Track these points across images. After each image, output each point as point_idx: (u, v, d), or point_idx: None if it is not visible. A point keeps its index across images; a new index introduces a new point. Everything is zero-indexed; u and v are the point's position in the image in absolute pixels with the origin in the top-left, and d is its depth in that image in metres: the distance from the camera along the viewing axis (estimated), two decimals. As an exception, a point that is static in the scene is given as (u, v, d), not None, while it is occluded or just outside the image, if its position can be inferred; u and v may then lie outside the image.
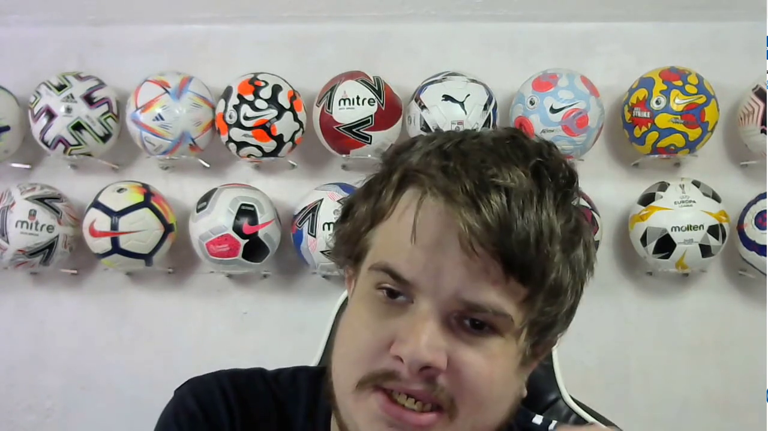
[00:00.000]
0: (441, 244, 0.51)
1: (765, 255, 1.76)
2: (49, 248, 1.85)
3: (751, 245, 1.80)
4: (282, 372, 0.70)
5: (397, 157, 0.57)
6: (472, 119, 1.77)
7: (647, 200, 1.83)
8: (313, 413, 0.65)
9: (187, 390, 0.67)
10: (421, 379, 0.51)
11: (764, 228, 1.76)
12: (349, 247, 0.58)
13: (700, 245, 1.76)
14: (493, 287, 0.51)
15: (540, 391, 0.88)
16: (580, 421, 0.86)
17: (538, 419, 0.68)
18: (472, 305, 0.51)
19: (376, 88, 1.82)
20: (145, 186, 1.90)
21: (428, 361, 0.50)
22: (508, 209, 0.50)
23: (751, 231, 1.79)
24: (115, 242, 1.81)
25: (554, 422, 0.67)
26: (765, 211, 1.77)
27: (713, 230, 1.76)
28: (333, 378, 0.58)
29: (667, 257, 1.79)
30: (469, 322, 0.52)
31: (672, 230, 1.76)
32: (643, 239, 1.81)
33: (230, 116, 1.81)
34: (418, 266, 0.51)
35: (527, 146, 0.54)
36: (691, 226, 1.75)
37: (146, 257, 1.86)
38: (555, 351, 0.91)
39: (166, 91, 1.84)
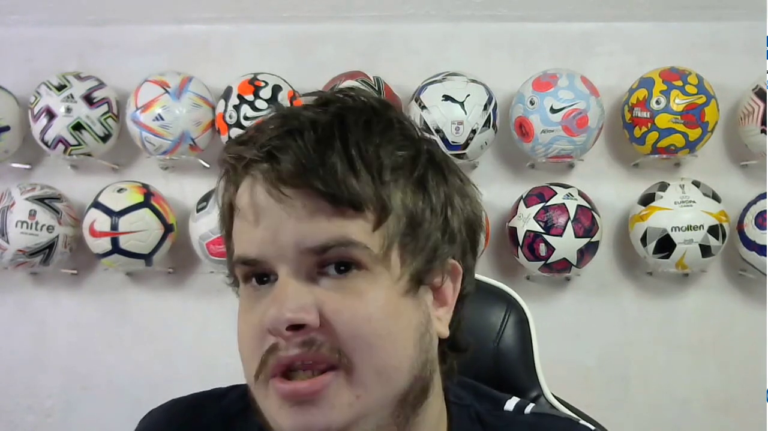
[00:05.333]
0: (264, 210, 0.51)
1: (765, 255, 1.77)
2: (49, 248, 1.85)
3: (751, 245, 1.80)
4: (235, 388, 0.69)
5: None
6: (472, 119, 1.77)
7: (647, 200, 1.83)
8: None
9: None
10: (298, 342, 0.50)
11: (764, 228, 1.76)
12: (229, 264, 0.58)
13: (700, 245, 1.76)
14: (330, 222, 0.50)
15: (521, 389, 0.88)
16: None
17: (511, 404, 0.66)
18: (318, 248, 0.50)
19: (376, 88, 1.82)
20: (145, 186, 1.90)
21: (288, 319, 0.49)
22: (306, 147, 0.50)
23: (751, 231, 1.80)
24: (115, 242, 1.81)
25: (531, 405, 0.65)
26: (765, 211, 1.77)
27: (713, 230, 1.76)
28: (251, 390, 0.56)
29: (667, 257, 1.79)
30: (334, 268, 0.51)
31: (672, 230, 1.76)
32: (643, 239, 1.81)
33: (230, 116, 1.81)
34: (256, 241, 0.52)
35: (326, 97, 0.55)
36: (691, 226, 1.75)
37: (146, 257, 1.86)
38: (536, 350, 0.90)
39: (166, 91, 1.84)
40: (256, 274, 0.53)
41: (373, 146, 0.52)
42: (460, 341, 0.60)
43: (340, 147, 0.50)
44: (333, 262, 0.51)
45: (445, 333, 0.58)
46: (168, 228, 1.88)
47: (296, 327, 0.50)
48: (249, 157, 0.52)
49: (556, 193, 1.80)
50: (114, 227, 1.81)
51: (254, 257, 0.52)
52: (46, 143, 1.88)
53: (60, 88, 1.86)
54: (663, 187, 1.83)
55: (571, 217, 1.76)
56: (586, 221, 1.78)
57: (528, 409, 0.65)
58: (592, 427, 0.65)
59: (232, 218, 0.55)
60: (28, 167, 2.04)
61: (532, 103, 1.79)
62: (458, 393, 0.65)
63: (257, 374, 0.52)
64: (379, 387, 0.52)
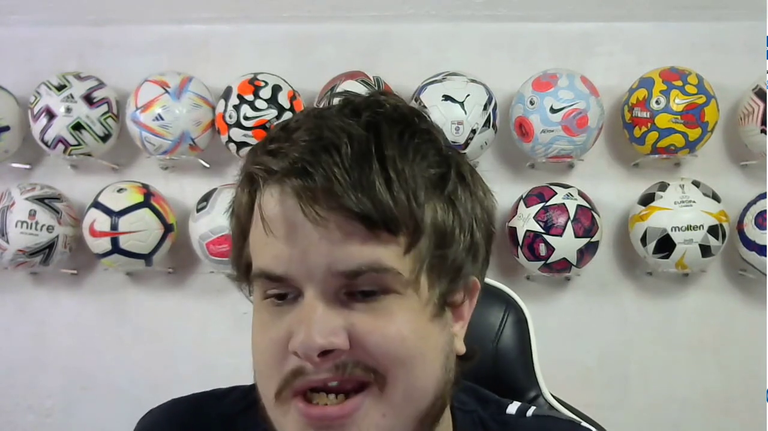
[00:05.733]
0: (295, 226, 0.49)
1: (765, 255, 1.76)
2: (49, 248, 1.85)
3: (751, 245, 1.80)
4: (236, 389, 0.68)
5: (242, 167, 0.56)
6: (472, 119, 1.77)
7: (647, 200, 1.83)
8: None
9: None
10: (328, 366, 0.49)
11: (764, 228, 1.76)
12: (240, 269, 0.56)
13: (700, 245, 1.76)
14: (364, 246, 0.48)
15: (520, 389, 0.88)
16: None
17: (513, 407, 0.66)
18: (350, 273, 0.49)
19: (376, 88, 1.82)
20: (145, 186, 1.90)
21: (320, 345, 0.48)
22: (342, 165, 0.47)
23: (751, 231, 1.79)
24: (115, 242, 1.81)
25: (532, 408, 0.65)
26: (765, 211, 1.77)
27: (713, 230, 1.76)
28: (261, 399, 0.55)
29: (667, 257, 1.79)
30: (361, 291, 0.50)
31: (672, 230, 1.76)
32: (643, 239, 1.81)
33: (230, 116, 1.81)
34: (284, 258, 0.50)
35: (357, 103, 0.53)
36: (691, 226, 1.75)
37: (146, 257, 1.86)
38: (535, 350, 0.90)
39: (166, 92, 1.84)
40: (279, 293, 0.52)
41: (408, 164, 0.50)
42: (468, 350, 0.60)
43: (378, 168, 0.48)
44: (365, 286, 0.50)
45: (463, 349, 0.58)
46: (168, 228, 1.88)
47: (327, 352, 0.49)
48: (279, 170, 0.49)
49: (556, 193, 1.80)
50: (114, 227, 1.81)
51: (280, 275, 0.50)
52: (46, 143, 1.88)
53: (60, 88, 1.86)
54: (663, 187, 1.83)
55: (571, 217, 1.76)
56: (586, 221, 1.78)
57: (530, 412, 0.65)
58: (593, 429, 0.65)
59: (249, 220, 0.53)
60: (28, 167, 2.04)
61: (532, 103, 1.79)
62: (461, 398, 0.65)
63: (278, 393, 0.51)
64: (406, 407, 0.52)
